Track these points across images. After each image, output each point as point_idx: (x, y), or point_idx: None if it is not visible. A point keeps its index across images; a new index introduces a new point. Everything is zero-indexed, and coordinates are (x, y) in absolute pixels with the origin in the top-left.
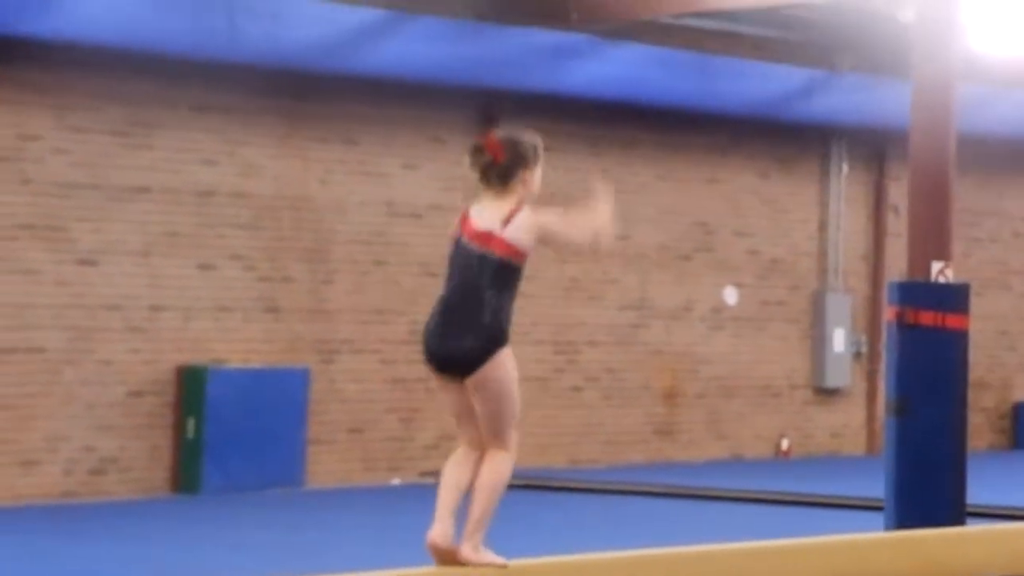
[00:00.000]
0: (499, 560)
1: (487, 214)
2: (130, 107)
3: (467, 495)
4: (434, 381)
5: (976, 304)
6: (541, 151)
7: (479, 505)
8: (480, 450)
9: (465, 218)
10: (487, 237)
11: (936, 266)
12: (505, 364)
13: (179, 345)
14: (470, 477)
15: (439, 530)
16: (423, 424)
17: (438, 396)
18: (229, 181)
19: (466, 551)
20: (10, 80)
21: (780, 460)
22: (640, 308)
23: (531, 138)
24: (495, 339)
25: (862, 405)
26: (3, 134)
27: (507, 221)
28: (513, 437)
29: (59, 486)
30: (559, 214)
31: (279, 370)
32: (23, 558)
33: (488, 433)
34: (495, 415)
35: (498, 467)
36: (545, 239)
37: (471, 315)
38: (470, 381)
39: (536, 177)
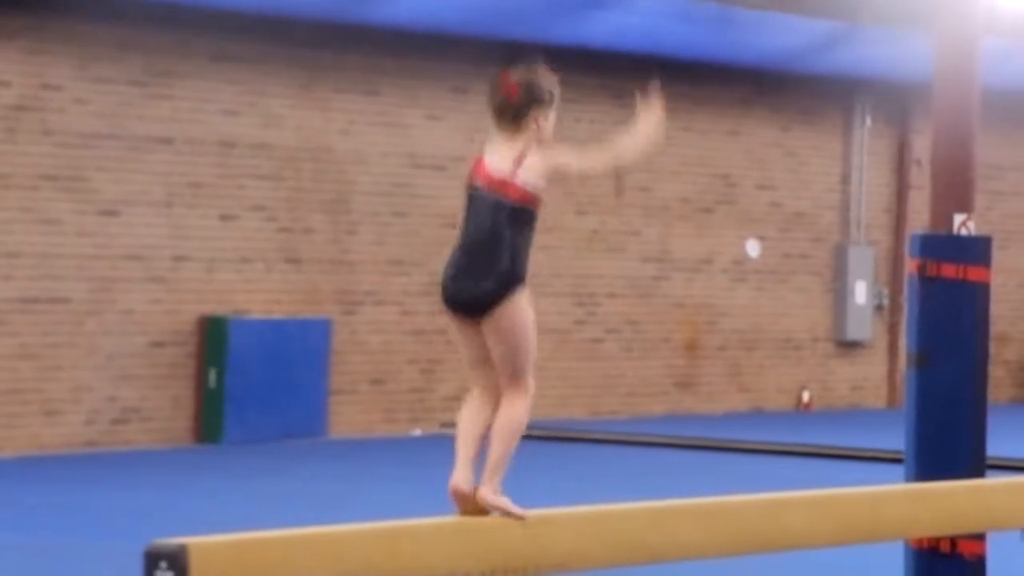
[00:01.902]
0: (517, 510)
1: (499, 158)
2: (151, 57)
3: (485, 443)
4: (450, 326)
5: (998, 257)
6: (558, 94)
7: (496, 449)
8: (495, 396)
9: (479, 164)
10: (501, 184)
11: (958, 218)
12: (521, 305)
13: (201, 296)
14: (486, 423)
15: (460, 476)
16: (444, 375)
17: (454, 341)
18: (250, 132)
19: (484, 493)
20: (32, 30)
21: (801, 413)
22: (661, 260)
23: (548, 81)
24: (512, 280)
25: (883, 358)
26: (25, 84)
27: (517, 165)
28: (531, 382)
29: (82, 436)
30: (573, 150)
31: (301, 321)
32: (46, 507)
33: (505, 377)
34: (510, 357)
35: (515, 411)
36: (559, 176)
37: (488, 259)
38: (486, 322)
39: (550, 121)
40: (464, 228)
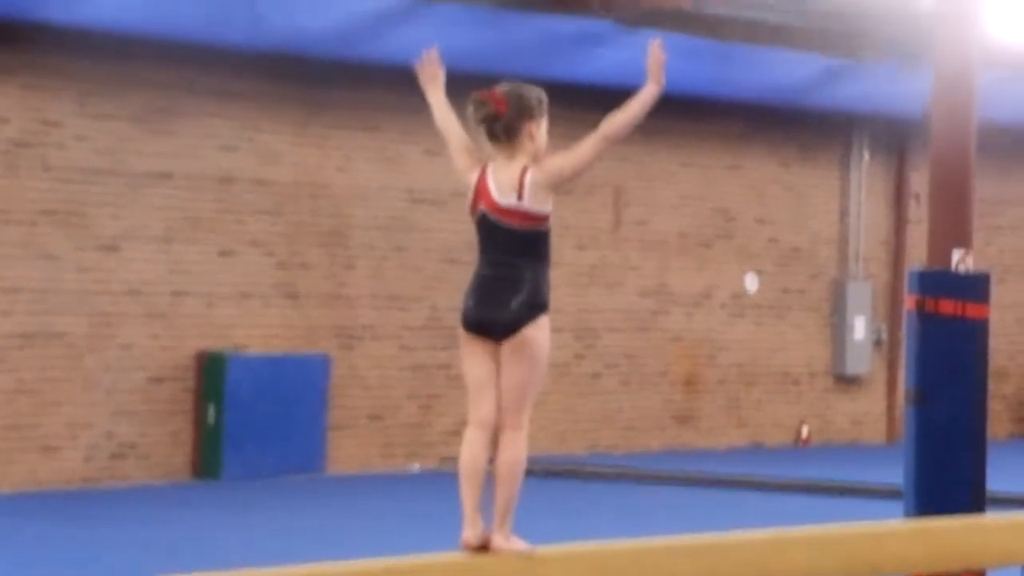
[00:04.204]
0: (527, 547)
1: (502, 181)
2: (151, 94)
3: (486, 480)
4: (464, 345)
5: (996, 292)
6: (546, 104)
7: (505, 494)
8: (491, 429)
9: (483, 186)
10: (509, 212)
11: (956, 254)
12: (545, 330)
13: (199, 331)
14: (485, 461)
15: (473, 532)
16: (442, 410)
17: (464, 363)
18: (249, 168)
19: (498, 540)
20: (32, 66)
21: (800, 448)
22: (660, 295)
23: (535, 91)
24: (539, 303)
25: (882, 393)
26: (25, 119)
27: (520, 190)
28: (528, 415)
29: (80, 472)
30: (563, 152)
31: (299, 356)
32: (44, 543)
33: (510, 406)
34: (524, 384)
35: (518, 452)
36: (561, 182)
37: (512, 284)
38: (509, 343)
39: (542, 130)
40: (482, 256)
